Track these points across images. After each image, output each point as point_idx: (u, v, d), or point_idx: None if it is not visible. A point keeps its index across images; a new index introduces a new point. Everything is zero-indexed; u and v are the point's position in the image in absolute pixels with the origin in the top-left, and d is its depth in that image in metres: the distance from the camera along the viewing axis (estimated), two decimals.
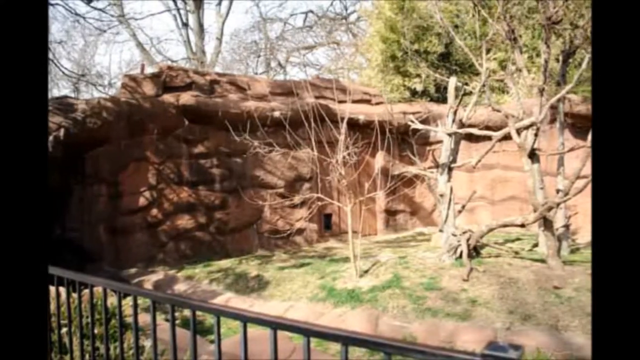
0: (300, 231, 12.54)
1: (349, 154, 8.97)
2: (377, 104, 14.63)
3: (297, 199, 10.72)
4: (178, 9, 24.03)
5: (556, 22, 10.03)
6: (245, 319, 1.76)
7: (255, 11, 45.67)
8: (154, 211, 11.04)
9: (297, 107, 10.67)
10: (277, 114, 11.97)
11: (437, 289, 7.90)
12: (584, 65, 10.12)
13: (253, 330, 1.77)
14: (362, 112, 13.66)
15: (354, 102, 13.35)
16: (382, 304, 7.58)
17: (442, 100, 13.42)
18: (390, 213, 15.18)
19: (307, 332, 1.55)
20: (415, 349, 1.20)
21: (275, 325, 1.69)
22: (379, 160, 14.02)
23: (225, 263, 10.80)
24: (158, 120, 10.97)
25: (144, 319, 3.19)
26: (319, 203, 9.82)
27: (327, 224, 13.98)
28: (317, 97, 12.99)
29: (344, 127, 9.06)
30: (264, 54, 28.87)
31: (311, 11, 29.64)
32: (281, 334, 1.72)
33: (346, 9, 29.09)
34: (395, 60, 15.78)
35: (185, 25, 24.06)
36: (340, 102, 11.56)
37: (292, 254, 11.66)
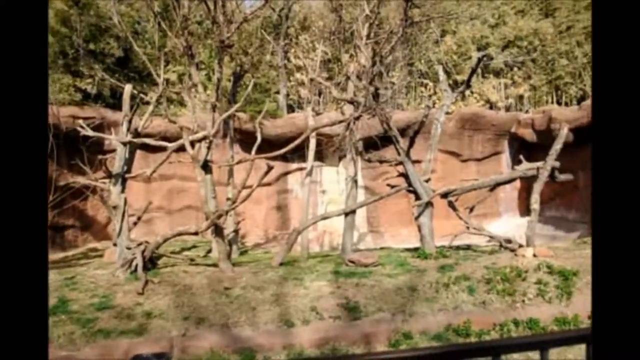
0: None
1: None
2: None
3: None
4: None
5: (229, 46, 11.03)
6: None
7: None
8: None
9: None
10: None
11: (110, 307, 7.42)
12: (249, 88, 11.44)
13: None
14: None
15: None
16: None
17: (119, 107, 12.82)
18: (57, 229, 13.47)
19: None
20: None
21: None
22: None
23: None
24: None
25: None
26: None
27: None
28: None
29: None
30: None
31: None
32: None
33: None
34: (66, 57, 14.20)
35: None
36: None
37: None
